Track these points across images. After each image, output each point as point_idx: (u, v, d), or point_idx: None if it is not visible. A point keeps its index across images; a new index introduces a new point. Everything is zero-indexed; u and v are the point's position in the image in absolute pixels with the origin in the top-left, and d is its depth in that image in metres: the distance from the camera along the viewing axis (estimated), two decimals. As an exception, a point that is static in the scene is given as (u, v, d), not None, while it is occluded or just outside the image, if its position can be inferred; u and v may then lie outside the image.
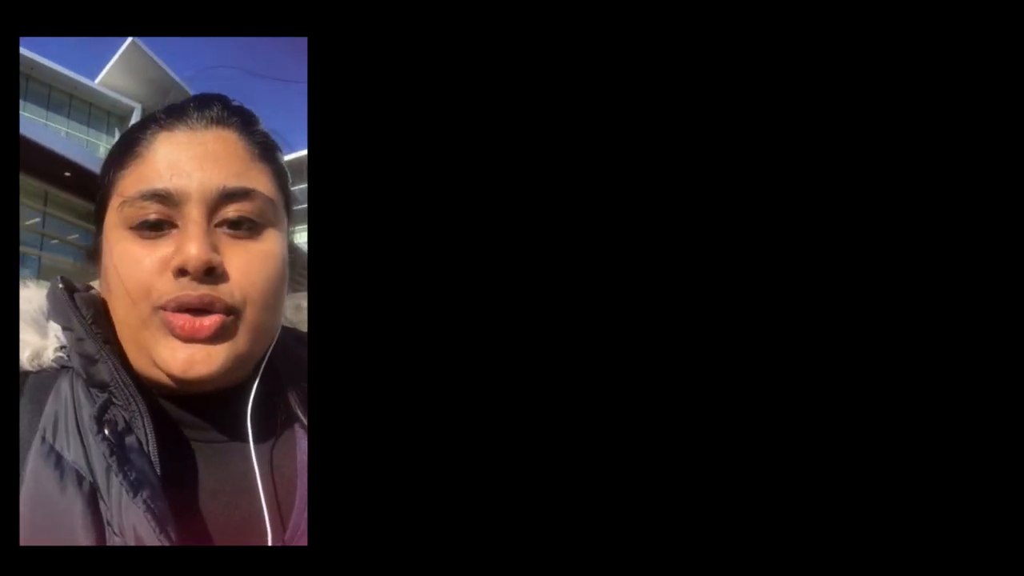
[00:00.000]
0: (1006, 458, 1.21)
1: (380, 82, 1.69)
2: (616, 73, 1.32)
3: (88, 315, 1.20)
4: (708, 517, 1.32)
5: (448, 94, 1.54)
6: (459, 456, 1.77)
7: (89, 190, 1.29)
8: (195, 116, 1.21)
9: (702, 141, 1.27)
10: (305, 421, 1.26)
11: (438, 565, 1.72)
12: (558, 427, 1.92)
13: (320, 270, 1.50)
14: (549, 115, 1.37)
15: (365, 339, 1.60)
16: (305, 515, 1.21)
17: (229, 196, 1.17)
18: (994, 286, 1.24)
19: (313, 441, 1.26)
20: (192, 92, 1.26)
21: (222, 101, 1.23)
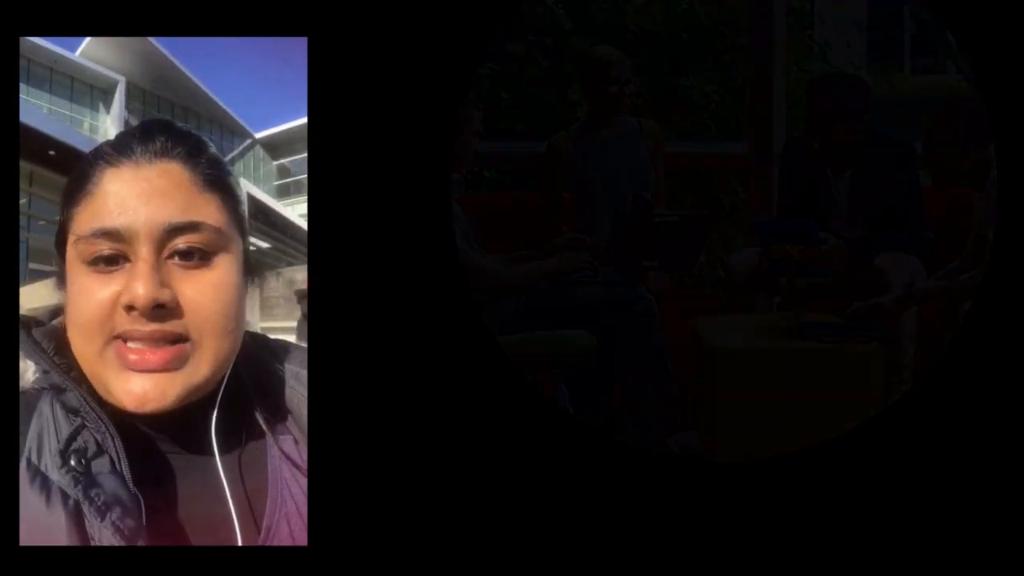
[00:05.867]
0: None
1: (379, 82, 1.69)
2: None
3: (50, 348, 1.24)
4: None
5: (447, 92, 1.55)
6: (458, 457, 1.78)
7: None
8: (139, 151, 1.25)
9: None
10: (272, 436, 1.30)
11: (436, 564, 1.72)
12: (556, 426, 1.93)
13: (320, 268, 1.50)
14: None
15: (365, 340, 1.60)
16: (277, 516, 1.26)
17: (176, 230, 1.22)
18: None
19: (313, 442, 1.28)
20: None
21: (166, 132, 1.27)
